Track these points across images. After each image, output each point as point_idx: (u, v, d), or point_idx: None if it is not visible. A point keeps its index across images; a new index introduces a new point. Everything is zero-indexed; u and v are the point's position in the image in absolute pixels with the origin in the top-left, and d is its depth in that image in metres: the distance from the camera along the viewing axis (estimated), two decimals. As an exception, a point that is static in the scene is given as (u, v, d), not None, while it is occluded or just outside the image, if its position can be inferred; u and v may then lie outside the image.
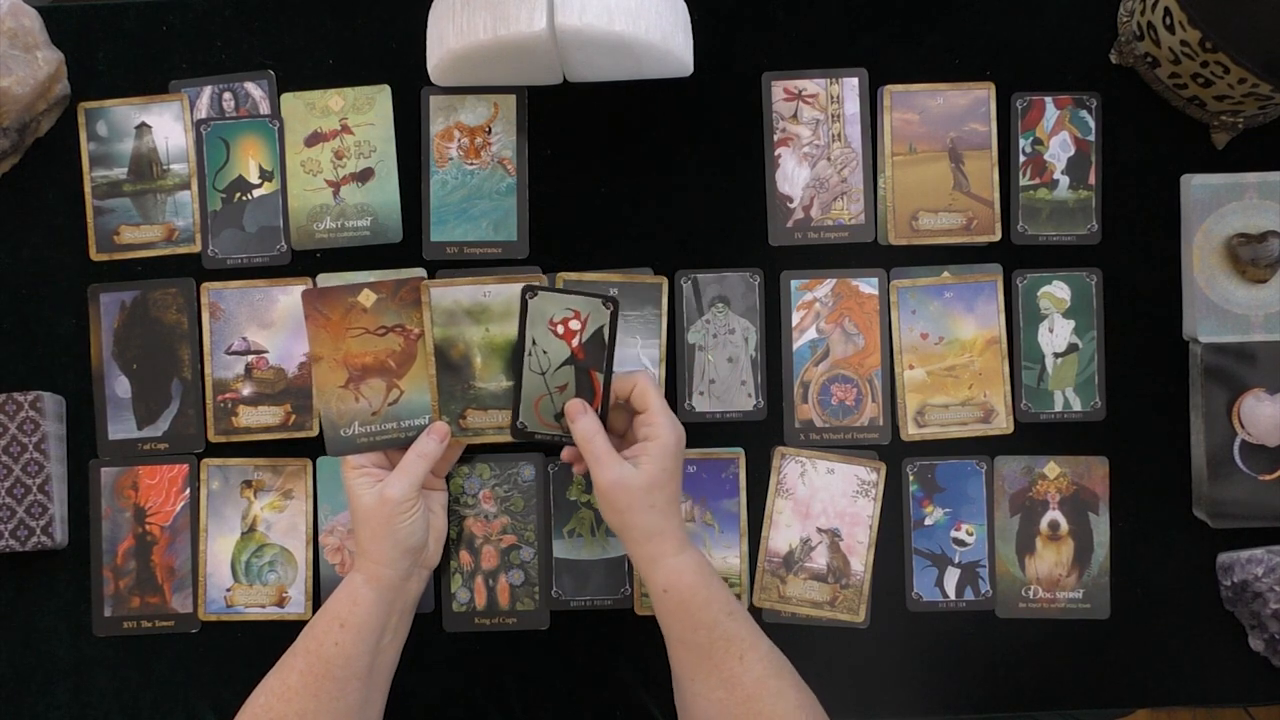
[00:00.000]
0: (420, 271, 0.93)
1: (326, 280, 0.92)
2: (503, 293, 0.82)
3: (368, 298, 0.82)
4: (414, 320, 0.82)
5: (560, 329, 0.82)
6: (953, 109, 0.94)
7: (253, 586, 0.93)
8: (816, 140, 0.94)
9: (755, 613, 0.92)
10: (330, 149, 0.94)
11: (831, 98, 0.95)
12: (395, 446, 0.83)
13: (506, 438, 0.84)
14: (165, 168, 0.95)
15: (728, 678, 0.76)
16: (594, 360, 0.83)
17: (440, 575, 0.93)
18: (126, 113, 0.95)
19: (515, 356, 0.83)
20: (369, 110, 0.94)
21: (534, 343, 0.82)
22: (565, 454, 0.86)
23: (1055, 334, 0.94)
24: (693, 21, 0.91)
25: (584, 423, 0.80)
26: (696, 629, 0.77)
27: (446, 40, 0.86)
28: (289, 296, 0.93)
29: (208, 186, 0.94)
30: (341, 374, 0.82)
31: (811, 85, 0.95)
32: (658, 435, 0.79)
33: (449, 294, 0.82)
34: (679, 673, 0.79)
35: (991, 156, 0.94)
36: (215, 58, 0.95)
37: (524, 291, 0.82)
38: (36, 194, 0.95)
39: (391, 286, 0.82)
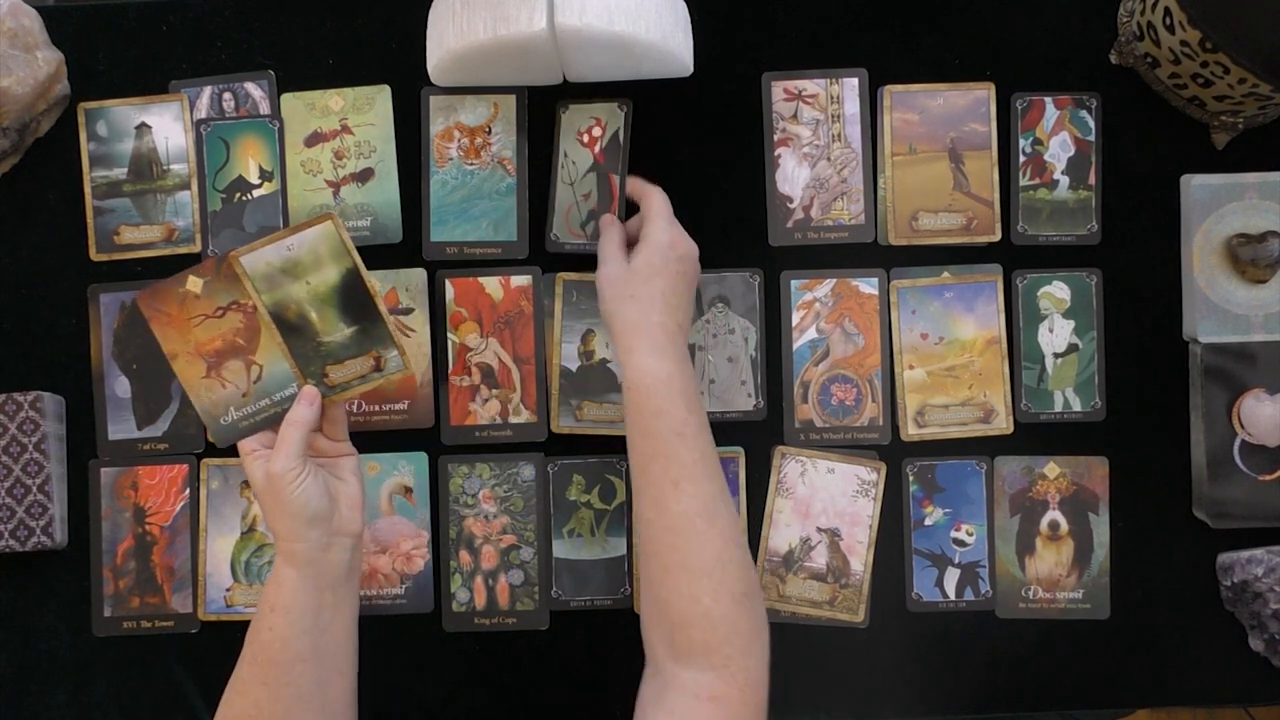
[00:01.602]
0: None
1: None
2: (305, 242, 0.82)
3: (195, 284, 0.81)
4: (244, 294, 0.82)
5: (585, 138, 0.89)
6: (953, 109, 0.94)
7: (252, 586, 0.93)
8: (816, 140, 0.94)
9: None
10: (330, 149, 0.94)
11: (831, 98, 0.95)
12: (277, 422, 0.81)
13: (369, 385, 0.83)
14: (165, 168, 0.95)
15: (657, 499, 0.76)
16: (611, 164, 0.92)
17: (440, 575, 0.93)
18: (126, 113, 0.95)
19: (548, 172, 0.91)
20: (369, 110, 0.94)
21: (565, 154, 0.90)
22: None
23: (1055, 334, 0.94)
24: (693, 21, 0.91)
25: (605, 229, 0.88)
26: (644, 436, 0.78)
27: (446, 40, 0.86)
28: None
29: (208, 186, 0.94)
30: (200, 365, 0.82)
31: (811, 85, 0.95)
32: (648, 235, 0.84)
33: (259, 258, 0.81)
34: (632, 473, 0.80)
35: (991, 156, 0.94)
36: (215, 58, 0.95)
37: (557, 106, 0.90)
38: (36, 194, 0.95)
39: (214, 265, 0.81)
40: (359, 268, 0.82)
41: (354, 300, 0.82)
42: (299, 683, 0.76)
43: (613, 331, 0.82)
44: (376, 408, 0.93)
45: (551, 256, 0.94)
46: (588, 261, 0.93)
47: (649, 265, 0.82)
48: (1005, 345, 0.93)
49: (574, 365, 0.93)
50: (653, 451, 0.77)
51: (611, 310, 0.83)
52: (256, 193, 0.94)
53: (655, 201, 0.86)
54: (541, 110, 0.95)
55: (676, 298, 0.82)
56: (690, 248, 0.85)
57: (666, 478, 0.76)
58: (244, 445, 0.80)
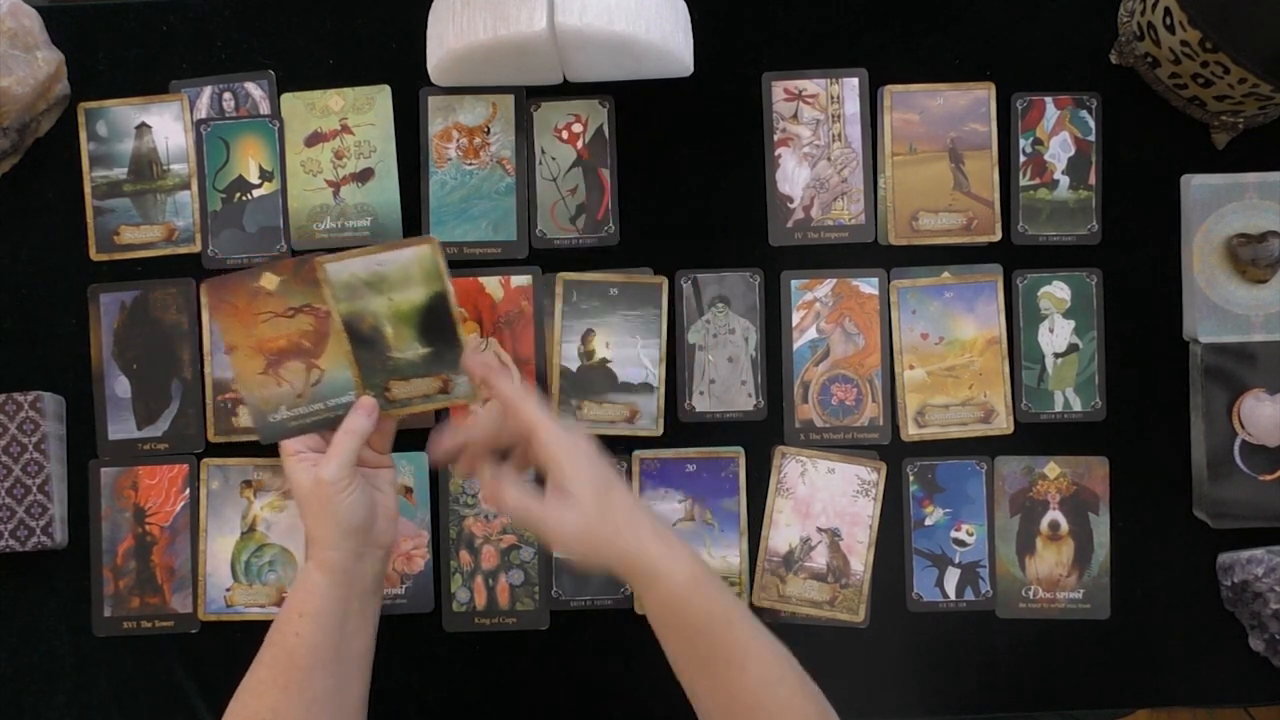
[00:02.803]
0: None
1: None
2: (397, 260, 0.81)
3: (270, 280, 0.80)
4: (320, 299, 0.81)
5: (565, 134, 0.89)
6: (953, 109, 0.94)
7: (252, 586, 0.93)
8: (816, 140, 0.94)
9: (755, 612, 0.92)
10: (330, 149, 0.94)
11: (831, 98, 0.95)
12: (326, 427, 0.81)
13: (432, 406, 0.83)
14: (165, 168, 0.95)
15: (728, 687, 0.74)
16: (599, 159, 0.92)
17: (440, 575, 0.93)
18: (126, 113, 0.95)
19: (525, 168, 0.92)
20: (369, 110, 0.94)
21: (543, 151, 0.90)
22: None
23: (1055, 334, 0.94)
24: (693, 21, 0.91)
25: (508, 494, 0.74)
26: (695, 642, 0.74)
27: (446, 40, 0.86)
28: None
29: (208, 186, 0.94)
30: (259, 360, 0.81)
31: (811, 85, 0.95)
32: (557, 455, 0.73)
33: (345, 268, 0.80)
34: (679, 670, 0.76)
35: (991, 156, 0.94)
36: (215, 58, 0.95)
37: (529, 105, 0.92)
38: (36, 194, 0.95)
39: (292, 266, 0.80)
40: (449, 294, 0.81)
41: (435, 323, 0.81)
42: (317, 689, 0.76)
43: (619, 573, 0.74)
44: (376, 408, 0.93)
45: (545, 254, 0.94)
46: (578, 257, 0.93)
47: (594, 489, 0.73)
48: (1005, 345, 0.93)
49: (574, 365, 0.93)
50: (710, 652, 0.73)
51: (605, 559, 0.74)
52: (256, 192, 0.94)
53: (525, 409, 0.74)
54: (541, 110, 0.95)
55: (629, 489, 0.77)
56: (580, 429, 0.77)
57: (732, 667, 0.73)
58: (287, 446, 0.80)
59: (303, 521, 0.79)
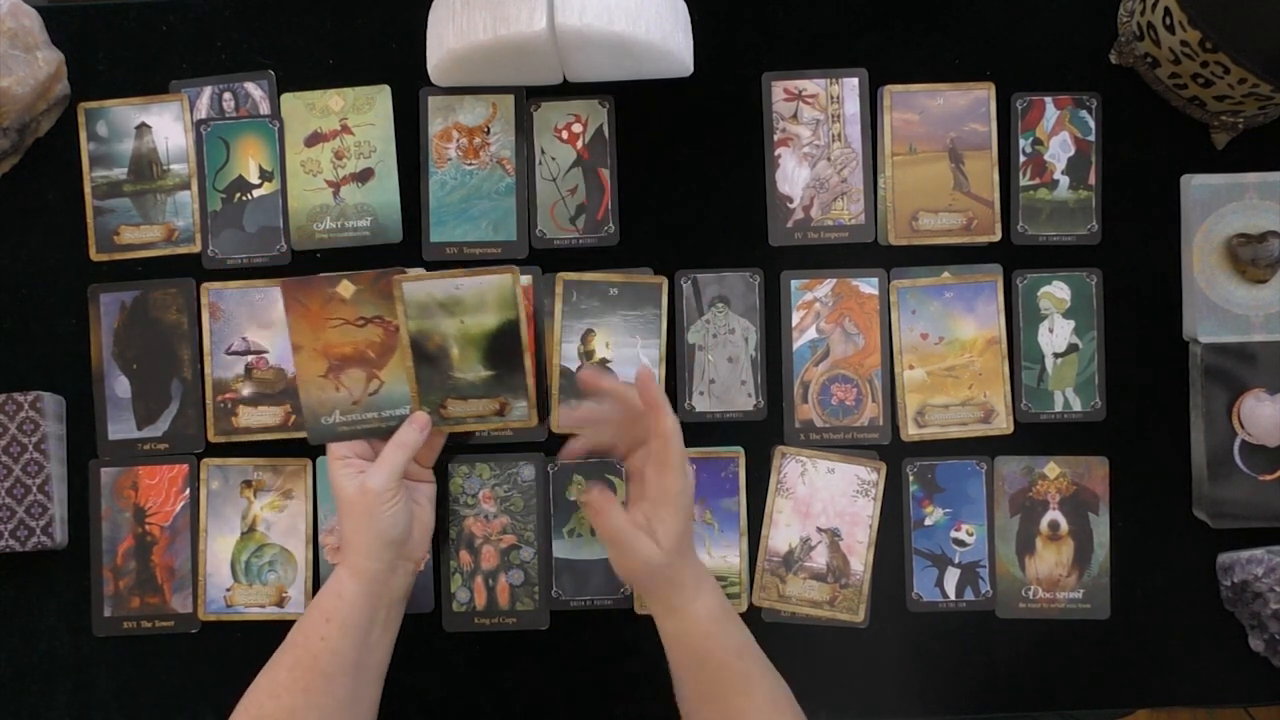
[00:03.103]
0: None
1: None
2: (475, 286, 0.82)
3: (346, 289, 0.81)
4: (393, 312, 0.82)
5: (565, 134, 0.89)
6: (953, 109, 0.94)
7: (252, 586, 0.93)
8: (816, 140, 0.94)
9: (755, 612, 0.92)
10: (330, 149, 0.94)
11: (831, 98, 0.95)
12: (376, 436, 0.82)
13: (486, 426, 0.84)
14: (165, 168, 0.95)
15: (732, 713, 0.77)
16: (599, 159, 0.92)
17: (440, 575, 0.93)
18: (126, 113, 0.95)
19: (525, 170, 0.91)
20: (369, 110, 0.94)
21: (543, 151, 0.90)
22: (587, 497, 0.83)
23: (1055, 334, 0.94)
24: (693, 21, 0.91)
25: (606, 516, 0.78)
26: (704, 666, 0.78)
27: (446, 40, 0.86)
28: (289, 296, 0.93)
29: (208, 186, 0.94)
30: (321, 363, 0.82)
31: (811, 85, 0.95)
32: (675, 490, 0.77)
33: (422, 288, 0.81)
34: (684, 695, 0.80)
35: (991, 156, 0.94)
36: (215, 58, 0.95)
37: (529, 105, 0.91)
38: (36, 194, 0.95)
39: (370, 278, 0.81)
40: (521, 322, 0.82)
41: (503, 349, 0.82)
42: (337, 694, 0.77)
43: (653, 598, 0.80)
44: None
45: (545, 254, 0.94)
46: (578, 257, 0.93)
47: (684, 530, 0.78)
48: (1005, 345, 0.93)
49: (574, 365, 0.93)
50: (717, 677, 0.78)
51: (656, 586, 0.79)
52: (256, 193, 0.94)
53: (668, 420, 0.78)
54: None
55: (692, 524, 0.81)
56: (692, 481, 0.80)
57: (737, 693, 0.78)
58: (335, 449, 0.80)
59: (340, 527, 0.80)
